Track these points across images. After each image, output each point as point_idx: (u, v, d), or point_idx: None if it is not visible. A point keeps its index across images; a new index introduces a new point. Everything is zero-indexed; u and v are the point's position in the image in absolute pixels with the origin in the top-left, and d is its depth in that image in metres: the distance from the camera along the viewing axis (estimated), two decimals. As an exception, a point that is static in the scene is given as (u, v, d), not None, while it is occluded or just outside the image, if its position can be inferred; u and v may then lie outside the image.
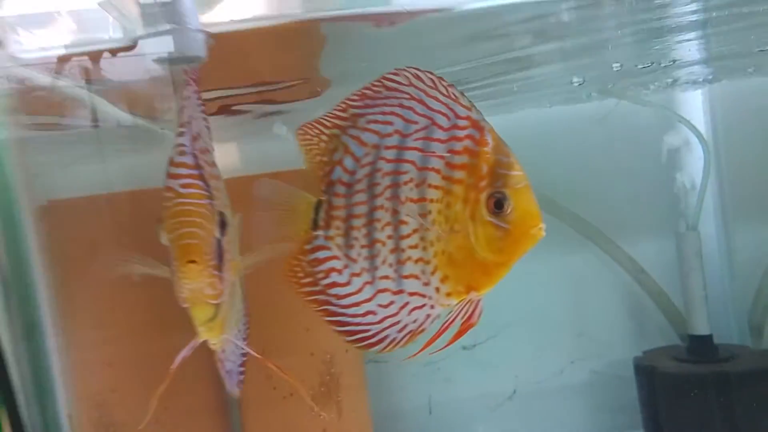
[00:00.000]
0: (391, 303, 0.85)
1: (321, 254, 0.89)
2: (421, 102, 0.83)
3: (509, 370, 2.15)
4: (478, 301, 0.81)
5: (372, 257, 0.85)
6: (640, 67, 1.34)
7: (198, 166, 0.77)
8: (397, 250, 0.84)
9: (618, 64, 1.33)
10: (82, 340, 1.44)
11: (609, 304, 2.17)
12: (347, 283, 0.88)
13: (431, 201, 0.81)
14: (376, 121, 0.86)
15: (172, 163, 0.77)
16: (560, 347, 2.16)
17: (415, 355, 0.86)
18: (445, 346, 0.83)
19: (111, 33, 0.97)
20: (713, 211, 2.15)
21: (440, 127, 0.82)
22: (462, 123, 0.80)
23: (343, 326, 0.88)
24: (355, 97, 0.87)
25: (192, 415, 1.61)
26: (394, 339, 0.86)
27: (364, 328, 0.87)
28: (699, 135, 1.89)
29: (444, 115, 0.82)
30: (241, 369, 0.96)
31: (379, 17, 1.07)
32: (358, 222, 0.86)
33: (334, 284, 0.89)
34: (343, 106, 0.88)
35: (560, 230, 2.11)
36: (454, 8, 1.05)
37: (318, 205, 0.90)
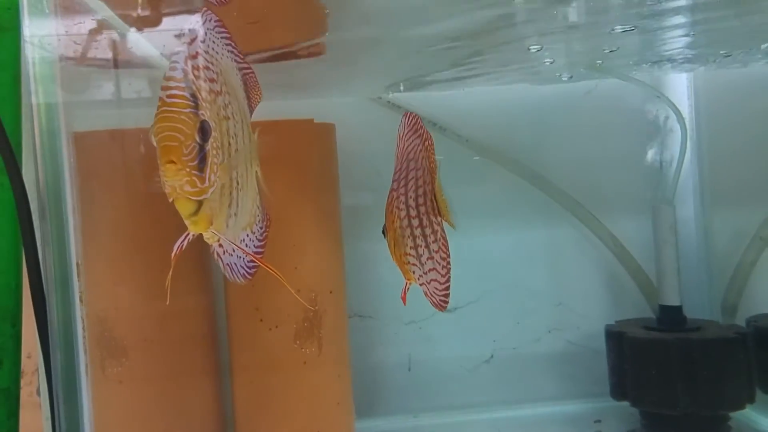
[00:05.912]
0: None
1: None
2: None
3: (488, 334, 2.20)
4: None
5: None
6: (619, 30, 1.41)
7: (185, 80, 0.84)
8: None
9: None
10: (96, 258, 1.56)
11: (588, 278, 2.22)
12: None
13: None
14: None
15: (164, 77, 0.85)
16: (539, 316, 2.21)
17: None
18: None
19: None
20: (692, 194, 2.21)
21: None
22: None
23: None
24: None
25: (183, 341, 1.71)
26: None
27: None
28: (677, 112, 1.96)
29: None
30: (252, 263, 1.04)
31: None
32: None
33: None
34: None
35: (545, 203, 2.19)
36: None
37: None
